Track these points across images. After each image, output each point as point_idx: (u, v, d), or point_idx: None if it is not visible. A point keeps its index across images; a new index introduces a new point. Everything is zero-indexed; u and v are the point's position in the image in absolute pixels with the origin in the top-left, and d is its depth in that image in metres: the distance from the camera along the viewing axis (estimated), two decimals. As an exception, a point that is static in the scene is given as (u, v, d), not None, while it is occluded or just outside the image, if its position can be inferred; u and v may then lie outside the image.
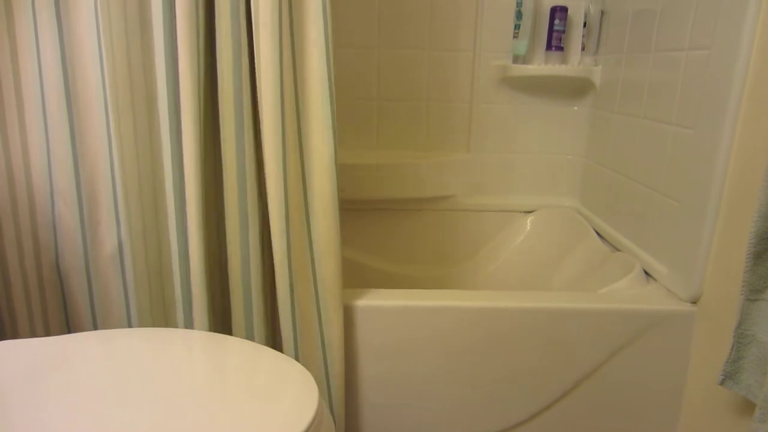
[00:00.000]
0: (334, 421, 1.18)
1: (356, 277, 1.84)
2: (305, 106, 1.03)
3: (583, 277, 1.52)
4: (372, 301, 1.18)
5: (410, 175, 1.79)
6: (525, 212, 1.88)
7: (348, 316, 1.17)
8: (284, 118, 1.00)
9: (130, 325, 1.08)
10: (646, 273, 1.33)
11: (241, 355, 0.84)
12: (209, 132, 1.07)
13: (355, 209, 1.85)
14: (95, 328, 1.10)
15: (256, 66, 0.98)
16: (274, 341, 1.18)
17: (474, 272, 1.88)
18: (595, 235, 1.63)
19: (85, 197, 1.04)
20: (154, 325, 1.10)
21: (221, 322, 1.17)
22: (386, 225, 1.87)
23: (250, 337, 1.11)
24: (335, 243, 1.08)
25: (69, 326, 1.12)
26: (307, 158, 1.06)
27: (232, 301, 1.10)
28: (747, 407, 1.02)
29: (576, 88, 1.78)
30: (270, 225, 1.05)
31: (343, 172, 1.76)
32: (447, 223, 1.88)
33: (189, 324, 1.10)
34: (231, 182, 1.04)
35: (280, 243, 1.04)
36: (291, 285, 1.07)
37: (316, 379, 1.15)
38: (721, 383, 0.97)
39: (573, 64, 1.75)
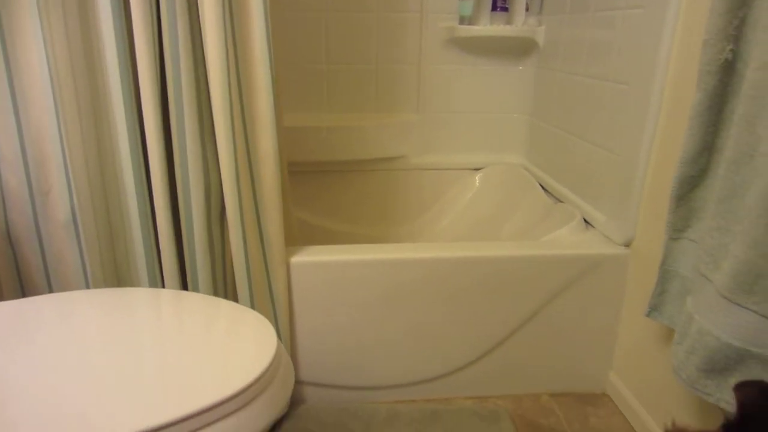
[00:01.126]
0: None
1: (309, 238, 1.88)
2: (246, 66, 1.05)
3: (529, 229, 1.60)
4: (310, 257, 1.23)
5: (361, 137, 1.83)
6: (473, 170, 1.95)
7: (292, 271, 1.22)
8: (229, 81, 1.02)
9: (87, 288, 1.10)
10: (586, 221, 1.42)
11: (199, 306, 0.88)
12: (159, 95, 1.07)
13: (307, 172, 1.88)
14: (51, 292, 1.11)
15: (202, 31, 1.00)
16: (226, 297, 1.22)
17: (425, 229, 1.96)
18: (540, 189, 1.72)
19: (32, 164, 1.03)
20: (107, 286, 1.12)
21: (179, 281, 1.19)
22: (338, 187, 1.91)
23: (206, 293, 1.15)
24: (278, 203, 1.13)
25: (24, 293, 1.12)
26: (250, 121, 1.08)
27: (188, 260, 1.12)
28: (671, 335, 1.12)
29: (520, 48, 1.84)
30: (223, 189, 1.08)
31: (295, 136, 1.78)
32: (398, 182, 1.93)
33: (149, 284, 1.12)
34: (181, 148, 1.06)
35: (232, 204, 1.07)
36: (245, 243, 1.11)
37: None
38: (648, 315, 1.06)
39: (517, 25, 1.80)
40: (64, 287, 1.10)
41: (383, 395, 1.37)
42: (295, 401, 1.34)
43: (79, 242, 1.07)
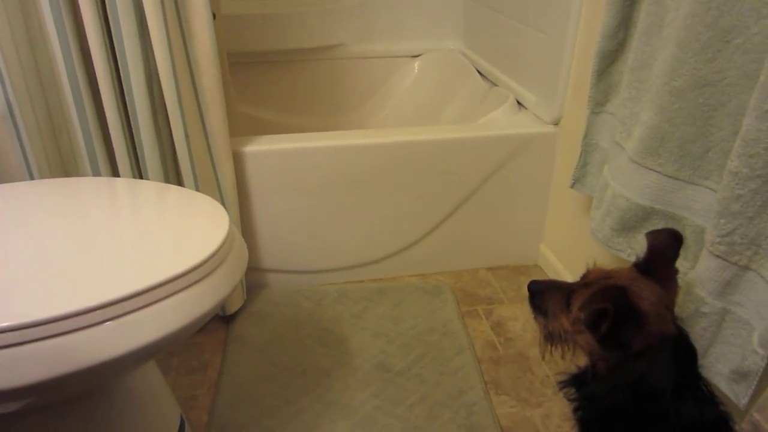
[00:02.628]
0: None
1: (249, 129, 1.87)
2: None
3: (466, 112, 1.65)
4: (260, 146, 1.25)
5: (298, 24, 1.78)
6: (412, 57, 1.95)
7: (239, 162, 1.24)
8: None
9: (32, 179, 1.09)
10: (519, 103, 1.47)
11: (151, 191, 0.90)
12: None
13: (244, 62, 1.83)
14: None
15: None
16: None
17: (367, 118, 1.97)
18: (477, 73, 1.74)
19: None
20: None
21: (129, 171, 1.20)
22: (280, 78, 1.88)
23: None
24: (220, 93, 1.12)
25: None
26: (183, 7, 1.05)
27: (138, 151, 1.12)
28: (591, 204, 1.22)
29: (456, -74, 1.78)
30: (161, 82, 1.06)
31: (230, 24, 1.72)
32: (338, 72, 1.92)
33: (95, 174, 1.13)
34: (117, 37, 1.02)
35: (170, 92, 1.06)
36: (186, 135, 1.11)
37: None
38: (572, 186, 1.15)
39: None
40: (7, 181, 1.09)
41: (334, 277, 1.45)
42: (254, 286, 1.41)
43: (18, 134, 1.05)
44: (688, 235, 0.84)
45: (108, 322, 0.64)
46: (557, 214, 1.40)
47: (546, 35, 1.33)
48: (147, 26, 1.03)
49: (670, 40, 0.78)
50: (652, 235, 0.73)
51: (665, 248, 0.71)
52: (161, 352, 0.98)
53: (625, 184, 0.91)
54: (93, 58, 1.03)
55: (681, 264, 0.86)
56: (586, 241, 1.26)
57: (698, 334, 0.74)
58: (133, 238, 0.76)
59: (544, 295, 0.74)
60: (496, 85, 1.62)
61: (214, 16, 1.10)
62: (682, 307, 0.76)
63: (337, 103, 1.96)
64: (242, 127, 1.57)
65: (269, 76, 1.87)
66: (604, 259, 1.20)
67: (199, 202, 0.86)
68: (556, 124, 1.34)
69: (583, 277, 0.74)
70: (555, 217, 1.42)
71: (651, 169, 0.86)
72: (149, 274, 0.67)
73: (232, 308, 1.32)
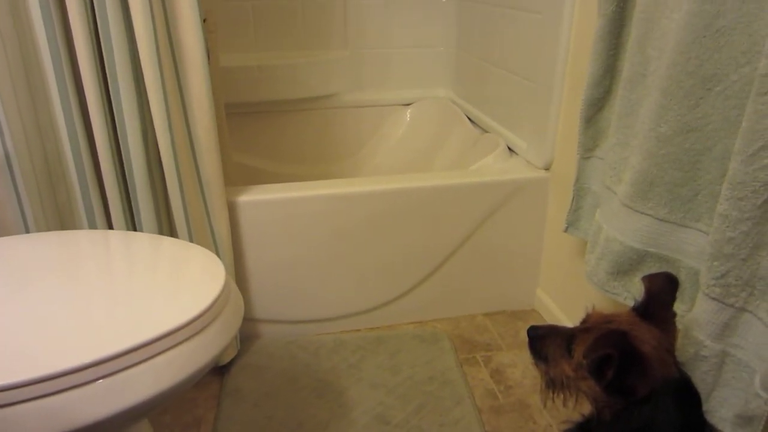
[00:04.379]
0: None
1: (242, 178, 1.89)
2: (172, 4, 1.03)
3: (459, 159, 1.67)
4: (254, 196, 1.26)
5: (291, 76, 1.82)
6: (404, 105, 1.99)
7: (233, 211, 1.25)
8: (154, 18, 1.00)
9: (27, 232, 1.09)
10: (510, 149, 1.49)
11: (146, 244, 0.90)
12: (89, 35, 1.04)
13: (241, 114, 1.86)
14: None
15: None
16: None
17: (359, 166, 2.00)
18: (467, 120, 1.78)
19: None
20: (50, 230, 1.11)
21: (124, 224, 1.20)
22: (271, 127, 1.91)
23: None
24: (215, 144, 1.13)
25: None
26: (180, 60, 1.07)
27: (132, 203, 1.13)
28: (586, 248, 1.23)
29: (443, -19, 1.85)
30: (156, 132, 1.08)
31: (224, 76, 1.75)
32: (331, 121, 1.95)
33: (91, 226, 1.12)
34: (114, 90, 1.04)
35: (165, 144, 1.08)
36: (180, 185, 1.12)
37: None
38: (565, 230, 1.16)
39: (438, -43, 1.81)
40: (2, 233, 1.08)
41: (329, 327, 1.44)
42: (247, 337, 1.39)
43: (15, 186, 1.05)
44: (683, 278, 0.84)
45: (100, 380, 0.63)
46: (552, 258, 1.41)
47: (534, 83, 1.36)
48: (143, 78, 1.06)
49: (654, 87, 0.80)
50: (649, 280, 0.73)
51: (662, 292, 0.72)
52: (155, 409, 0.96)
53: (618, 227, 0.92)
54: (89, 109, 1.04)
55: (678, 306, 0.86)
56: (582, 284, 1.26)
57: (700, 378, 0.73)
58: (127, 293, 0.76)
59: (544, 341, 0.74)
60: (486, 132, 1.65)
61: (209, 57, 1.12)
62: (682, 350, 0.76)
63: (329, 151, 1.99)
64: (235, 176, 1.59)
65: (262, 126, 1.90)
66: (601, 303, 1.19)
67: (194, 253, 0.86)
68: (547, 169, 1.36)
69: (583, 321, 0.74)
70: (550, 262, 1.42)
71: (642, 213, 0.87)
72: (143, 330, 0.66)
73: (226, 359, 1.30)
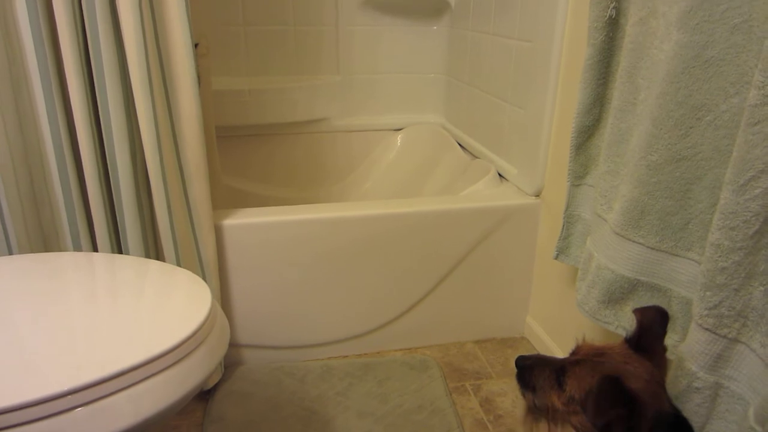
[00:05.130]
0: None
1: (235, 203, 1.88)
2: (164, 28, 1.03)
3: (449, 185, 1.67)
4: (241, 219, 1.24)
5: (283, 100, 1.82)
6: (395, 130, 1.99)
7: (220, 234, 1.23)
8: (146, 42, 1.00)
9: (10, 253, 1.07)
10: (501, 175, 1.50)
11: (131, 267, 0.88)
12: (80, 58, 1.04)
13: (232, 137, 1.86)
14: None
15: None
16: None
17: (349, 190, 1.99)
18: (458, 146, 1.78)
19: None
20: (33, 252, 1.09)
21: (110, 246, 1.18)
22: (262, 150, 1.91)
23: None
24: (204, 167, 1.13)
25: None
26: (170, 82, 1.07)
27: (119, 226, 1.11)
28: (577, 275, 1.22)
29: (434, 8, 1.88)
30: (145, 154, 1.07)
31: (217, 100, 1.76)
32: (322, 145, 1.95)
33: (76, 247, 1.10)
34: (104, 111, 1.03)
35: (154, 166, 1.07)
36: (169, 208, 1.10)
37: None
38: (556, 258, 1.15)
39: (429, -15, 1.83)
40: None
41: (317, 353, 1.41)
42: (231, 363, 1.37)
43: (0, 208, 1.03)
44: (675, 307, 0.84)
45: (79, 409, 0.61)
46: (542, 285, 1.40)
47: (524, 110, 1.37)
48: (133, 100, 1.05)
49: (644, 116, 0.80)
50: (641, 312, 0.72)
51: (654, 325, 0.71)
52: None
53: (609, 255, 0.91)
54: (77, 128, 1.03)
55: (670, 337, 0.85)
56: (573, 312, 1.25)
57: (693, 410, 0.72)
58: (110, 318, 0.74)
59: (532, 371, 0.73)
60: (477, 158, 1.65)
61: (200, 80, 1.11)
62: (674, 382, 0.75)
63: (320, 175, 1.98)
64: (225, 199, 1.58)
65: (253, 149, 1.90)
66: (592, 331, 1.19)
67: (180, 277, 0.84)
68: (537, 195, 1.36)
69: (573, 353, 0.73)
70: (540, 289, 1.41)
71: (633, 241, 0.87)
72: (124, 356, 0.65)
73: (210, 384, 1.27)
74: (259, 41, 1.82)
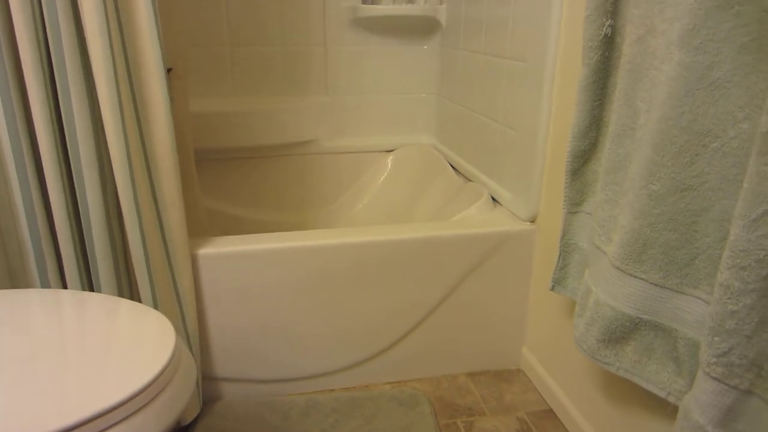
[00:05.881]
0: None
1: (218, 225, 1.81)
2: (135, 51, 0.98)
3: (441, 209, 1.61)
4: (219, 248, 1.17)
5: (270, 121, 1.77)
6: (386, 152, 1.93)
7: (197, 264, 1.16)
8: (115, 68, 0.95)
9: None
10: (494, 199, 1.43)
11: (96, 307, 0.83)
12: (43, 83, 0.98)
13: (218, 159, 1.80)
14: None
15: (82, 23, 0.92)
16: (131, 295, 1.15)
17: (340, 213, 1.93)
18: (450, 168, 1.72)
19: None
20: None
21: (79, 282, 1.12)
22: (249, 173, 1.85)
23: (109, 292, 1.08)
24: (178, 194, 1.07)
25: None
26: (142, 107, 1.01)
27: (90, 260, 1.05)
28: (575, 307, 1.15)
29: (424, 28, 1.83)
30: (116, 183, 1.01)
31: (202, 122, 1.70)
32: (311, 167, 1.89)
33: (42, 286, 1.04)
34: (72, 141, 0.97)
35: (126, 198, 1.01)
36: (143, 239, 1.04)
37: (174, 326, 1.15)
38: (552, 289, 1.08)
39: (420, 3, 1.79)
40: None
41: (301, 386, 1.34)
42: (211, 398, 1.29)
43: None
44: (681, 349, 0.77)
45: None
46: (539, 315, 1.33)
47: (517, 132, 1.32)
48: (103, 129, 0.99)
49: (644, 142, 0.74)
50: None
51: None
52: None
53: (608, 291, 0.85)
54: (42, 159, 0.97)
55: (676, 381, 0.78)
56: (571, 344, 1.18)
57: (702, 468, 0.65)
58: (63, 367, 0.68)
59: None
60: (470, 181, 1.59)
61: (172, 103, 1.06)
62: (682, 436, 0.68)
63: (309, 198, 1.92)
64: (208, 225, 1.51)
65: (240, 172, 1.84)
66: (591, 367, 1.11)
67: (144, 319, 0.79)
68: (532, 221, 1.30)
69: None
70: (536, 319, 1.34)
71: (635, 276, 0.80)
72: (77, 409, 0.60)
73: (188, 418, 1.20)
74: (246, 62, 1.77)
